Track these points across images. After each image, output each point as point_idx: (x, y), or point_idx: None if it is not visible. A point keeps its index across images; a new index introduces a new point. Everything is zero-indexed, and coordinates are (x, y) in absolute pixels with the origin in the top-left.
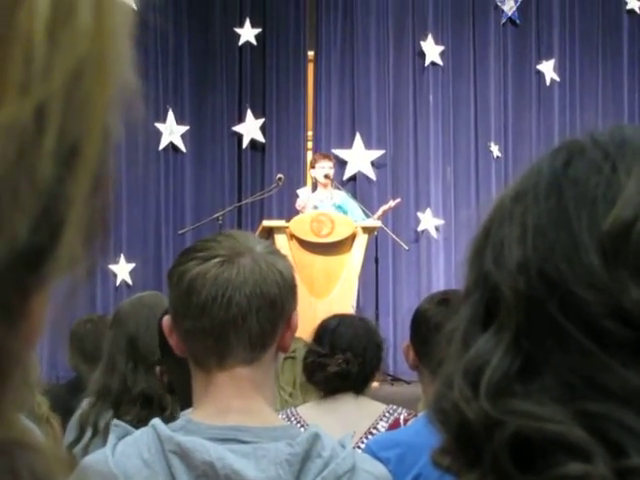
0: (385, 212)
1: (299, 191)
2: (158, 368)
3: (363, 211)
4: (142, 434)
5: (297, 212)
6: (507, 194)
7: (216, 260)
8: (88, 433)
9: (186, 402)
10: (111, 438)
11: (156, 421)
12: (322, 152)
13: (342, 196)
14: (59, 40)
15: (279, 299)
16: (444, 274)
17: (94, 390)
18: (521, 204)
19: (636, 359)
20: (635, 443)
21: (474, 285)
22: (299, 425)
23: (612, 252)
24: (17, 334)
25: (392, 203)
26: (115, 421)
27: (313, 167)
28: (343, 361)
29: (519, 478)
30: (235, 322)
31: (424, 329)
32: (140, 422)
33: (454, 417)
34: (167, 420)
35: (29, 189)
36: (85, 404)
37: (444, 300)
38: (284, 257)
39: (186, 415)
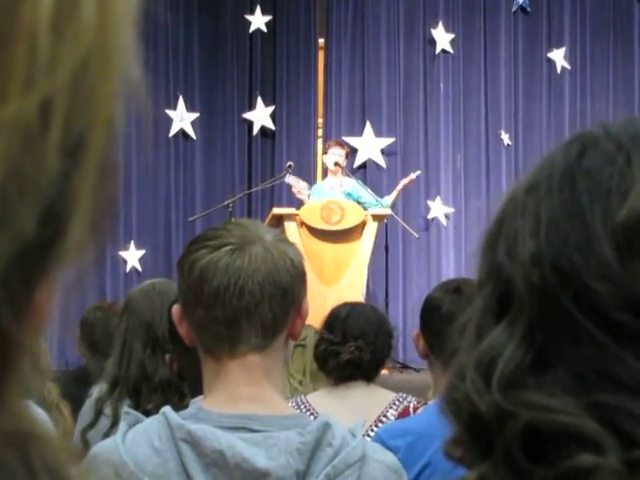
0: (405, 186)
1: (288, 181)
2: (168, 356)
3: (373, 197)
4: (153, 422)
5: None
6: (520, 186)
7: (227, 248)
8: (105, 420)
9: (196, 390)
10: (122, 426)
11: (167, 409)
12: (337, 139)
13: (352, 183)
14: (63, 34)
15: (290, 287)
16: (454, 262)
17: (109, 377)
18: (534, 196)
19: None
20: None
21: (487, 277)
22: (309, 413)
23: (626, 244)
24: (24, 326)
25: (413, 175)
26: (126, 408)
27: (325, 153)
28: (355, 349)
29: (531, 469)
30: (248, 310)
31: (434, 318)
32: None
33: (466, 408)
34: (185, 408)
35: (35, 184)
36: (97, 390)
37: (455, 289)
38: (293, 245)
39: (196, 403)
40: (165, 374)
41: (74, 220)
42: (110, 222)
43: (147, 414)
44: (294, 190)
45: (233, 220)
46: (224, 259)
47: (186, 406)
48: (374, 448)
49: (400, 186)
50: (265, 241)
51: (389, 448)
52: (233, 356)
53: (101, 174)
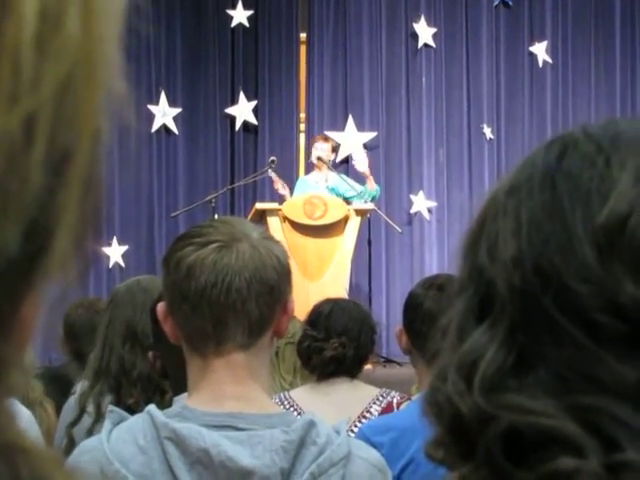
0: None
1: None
2: (151, 353)
3: (353, 189)
4: (137, 420)
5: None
6: (501, 187)
7: (214, 245)
8: (90, 408)
9: (180, 388)
10: (106, 424)
11: (151, 407)
12: (322, 134)
13: (336, 179)
14: (47, 50)
15: (277, 284)
16: (437, 256)
17: (91, 372)
18: (515, 198)
19: (630, 353)
20: (629, 437)
21: (468, 279)
22: (292, 409)
23: (607, 246)
24: (10, 341)
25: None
26: (110, 407)
27: (313, 147)
28: (339, 345)
29: (512, 472)
30: (235, 307)
31: (417, 314)
32: (144, 405)
33: (448, 410)
34: (168, 405)
35: (19, 199)
36: (80, 387)
37: (437, 285)
38: (279, 243)
39: (181, 401)
40: (144, 369)
41: (59, 234)
42: (95, 233)
43: (128, 409)
44: (275, 186)
45: (218, 217)
46: (211, 256)
47: (168, 403)
48: (359, 446)
49: (368, 172)
50: (252, 238)
51: (373, 444)
52: (219, 354)
53: (86, 188)
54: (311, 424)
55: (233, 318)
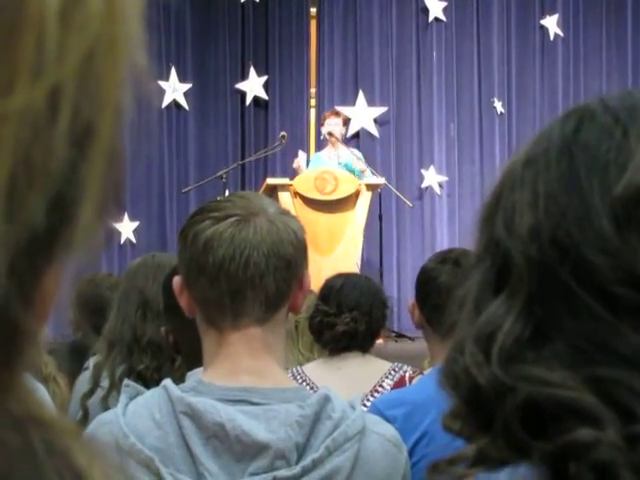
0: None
1: (300, 152)
2: (163, 329)
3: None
4: (153, 394)
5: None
6: (518, 160)
7: (232, 220)
8: (104, 383)
9: (193, 363)
10: (122, 398)
11: (167, 382)
12: (332, 109)
13: (348, 155)
14: (70, 23)
15: (294, 259)
16: (448, 230)
17: (106, 341)
18: (532, 170)
19: None
20: None
21: (485, 251)
22: (304, 383)
23: (624, 217)
24: (32, 312)
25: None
26: (126, 381)
27: (323, 125)
28: (351, 320)
29: (530, 443)
30: (252, 281)
31: (430, 288)
32: (154, 372)
33: (465, 382)
34: (178, 371)
35: (44, 172)
36: (93, 360)
37: (450, 259)
38: (295, 218)
39: (195, 375)
40: (155, 336)
41: (82, 207)
42: (116, 205)
43: (138, 375)
44: (295, 165)
45: (235, 192)
46: (229, 230)
47: (177, 369)
48: (374, 421)
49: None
50: (269, 213)
51: (386, 418)
52: (235, 328)
53: (108, 161)
54: (326, 399)
55: (251, 292)
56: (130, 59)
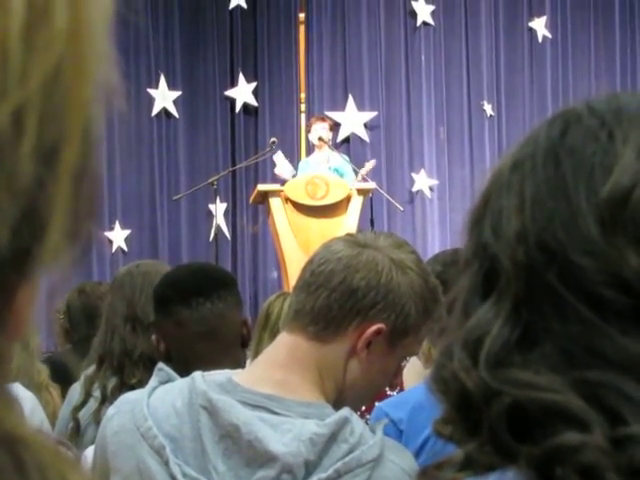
0: (367, 173)
1: (275, 158)
2: (154, 337)
3: (355, 172)
4: (182, 383)
5: (292, 176)
6: (505, 164)
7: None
8: (94, 400)
9: (184, 369)
10: (152, 381)
11: (197, 373)
12: (317, 115)
13: (339, 160)
14: (34, 43)
15: (363, 295)
16: (439, 234)
17: (96, 355)
18: (519, 174)
19: (635, 327)
20: (634, 411)
21: (473, 255)
22: None
23: (610, 220)
24: (5, 331)
25: (370, 165)
26: (160, 364)
27: (309, 131)
28: None
29: (516, 448)
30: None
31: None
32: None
33: (454, 387)
34: None
35: (9, 193)
36: (89, 371)
37: (450, 261)
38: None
39: (227, 372)
40: (146, 349)
41: (51, 227)
42: (91, 221)
43: (132, 389)
44: (276, 171)
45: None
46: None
47: None
48: (394, 448)
49: (360, 178)
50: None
51: (392, 420)
52: (290, 331)
53: (79, 179)
54: (346, 420)
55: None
56: (98, 77)
